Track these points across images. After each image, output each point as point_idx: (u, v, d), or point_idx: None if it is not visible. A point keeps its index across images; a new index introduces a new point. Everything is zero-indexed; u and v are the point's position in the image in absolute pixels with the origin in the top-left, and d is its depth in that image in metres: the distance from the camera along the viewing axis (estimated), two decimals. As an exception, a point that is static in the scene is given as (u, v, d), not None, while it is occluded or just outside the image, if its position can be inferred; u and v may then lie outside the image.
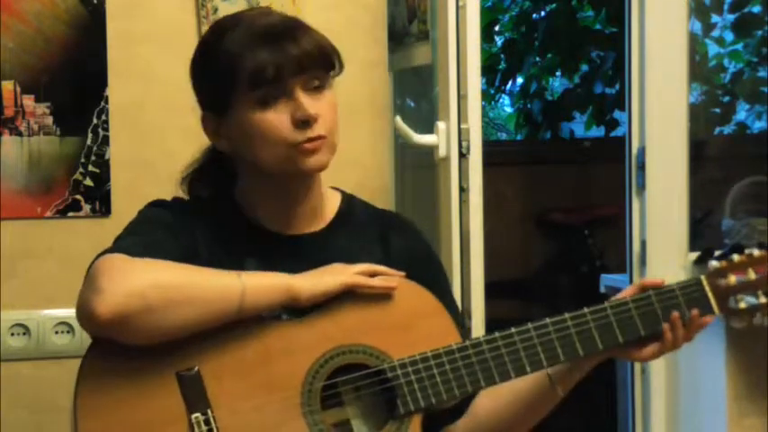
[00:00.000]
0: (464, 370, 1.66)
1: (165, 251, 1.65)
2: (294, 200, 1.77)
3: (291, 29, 1.71)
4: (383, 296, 1.69)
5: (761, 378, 2.85)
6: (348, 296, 1.68)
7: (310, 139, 1.69)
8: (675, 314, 1.71)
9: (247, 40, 1.69)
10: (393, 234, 1.83)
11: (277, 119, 1.68)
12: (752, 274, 1.73)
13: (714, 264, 1.75)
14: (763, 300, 1.73)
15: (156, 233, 1.69)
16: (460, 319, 1.83)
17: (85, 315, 1.57)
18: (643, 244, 2.93)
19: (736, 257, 1.74)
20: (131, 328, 1.57)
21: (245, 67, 1.67)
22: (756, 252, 1.74)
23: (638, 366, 2.98)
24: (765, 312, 1.74)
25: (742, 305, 1.73)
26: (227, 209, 1.78)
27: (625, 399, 3.10)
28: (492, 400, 1.78)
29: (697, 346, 2.92)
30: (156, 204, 1.78)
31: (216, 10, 2.73)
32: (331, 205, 1.83)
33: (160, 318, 1.58)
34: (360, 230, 1.81)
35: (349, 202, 1.85)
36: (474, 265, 2.58)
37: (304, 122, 1.68)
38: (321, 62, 1.72)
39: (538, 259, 4.92)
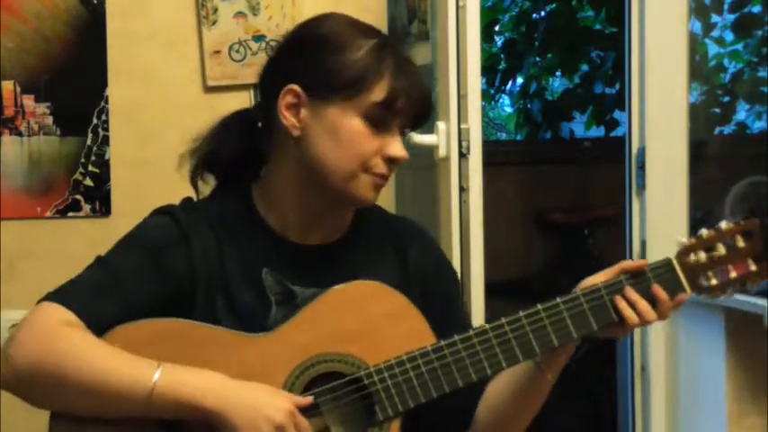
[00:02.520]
0: (440, 371, 1.65)
1: (127, 293, 1.63)
2: (323, 214, 1.74)
3: (428, 84, 1.76)
4: (354, 302, 1.67)
5: (761, 378, 2.84)
6: (321, 305, 1.66)
7: (383, 176, 1.69)
8: (633, 296, 1.68)
9: (399, 58, 1.70)
10: (409, 245, 1.80)
11: (369, 140, 1.67)
12: (721, 249, 1.70)
13: (682, 241, 1.71)
14: (733, 274, 1.70)
15: (129, 268, 1.65)
16: (468, 324, 1.79)
17: None
18: (643, 244, 2.93)
19: (704, 233, 1.71)
20: (23, 398, 1.64)
21: (386, 82, 1.66)
22: (724, 225, 1.71)
23: (638, 365, 2.97)
24: (737, 287, 1.71)
25: (713, 282, 1.70)
26: (243, 211, 1.73)
27: (625, 398, 3.09)
28: (486, 399, 1.77)
29: (697, 346, 2.92)
30: (160, 212, 1.73)
31: (216, 10, 2.73)
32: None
33: (49, 402, 1.63)
34: (376, 242, 1.78)
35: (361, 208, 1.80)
36: (474, 264, 2.58)
37: (393, 161, 1.69)
38: (423, 122, 1.75)
39: (538, 259, 4.91)
